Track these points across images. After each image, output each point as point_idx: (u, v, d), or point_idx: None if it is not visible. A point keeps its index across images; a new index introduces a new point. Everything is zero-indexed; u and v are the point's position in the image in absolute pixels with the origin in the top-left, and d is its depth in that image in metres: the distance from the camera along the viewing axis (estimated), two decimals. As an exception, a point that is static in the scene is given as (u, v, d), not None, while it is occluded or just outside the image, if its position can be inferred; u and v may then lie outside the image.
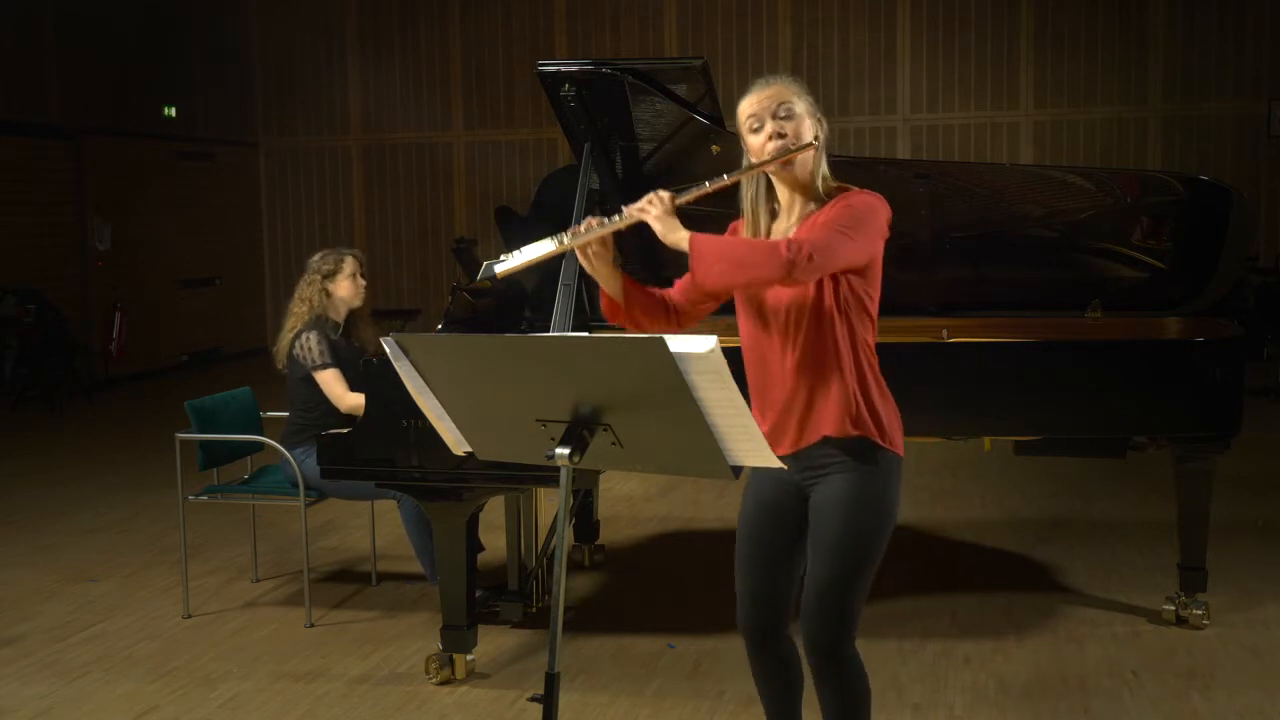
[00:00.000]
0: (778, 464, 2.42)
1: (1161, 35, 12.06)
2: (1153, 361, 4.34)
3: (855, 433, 2.75)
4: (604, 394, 2.33)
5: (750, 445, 2.36)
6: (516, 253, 2.68)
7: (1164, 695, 3.95)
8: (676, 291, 2.94)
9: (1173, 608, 4.57)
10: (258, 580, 5.39)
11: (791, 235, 2.75)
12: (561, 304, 4.16)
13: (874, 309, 2.80)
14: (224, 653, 4.54)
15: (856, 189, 2.78)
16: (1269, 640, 4.41)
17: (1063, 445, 4.79)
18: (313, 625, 4.79)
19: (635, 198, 2.72)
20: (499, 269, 2.71)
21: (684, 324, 2.93)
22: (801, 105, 2.76)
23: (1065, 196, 4.95)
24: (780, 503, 2.89)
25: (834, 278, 2.72)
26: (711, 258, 2.61)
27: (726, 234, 2.93)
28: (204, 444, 4.91)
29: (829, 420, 2.75)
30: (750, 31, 12.79)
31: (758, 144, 2.77)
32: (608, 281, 2.80)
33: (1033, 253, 5.09)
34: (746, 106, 2.79)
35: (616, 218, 2.67)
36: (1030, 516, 6.18)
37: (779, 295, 2.76)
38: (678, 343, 2.21)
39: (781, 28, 12.73)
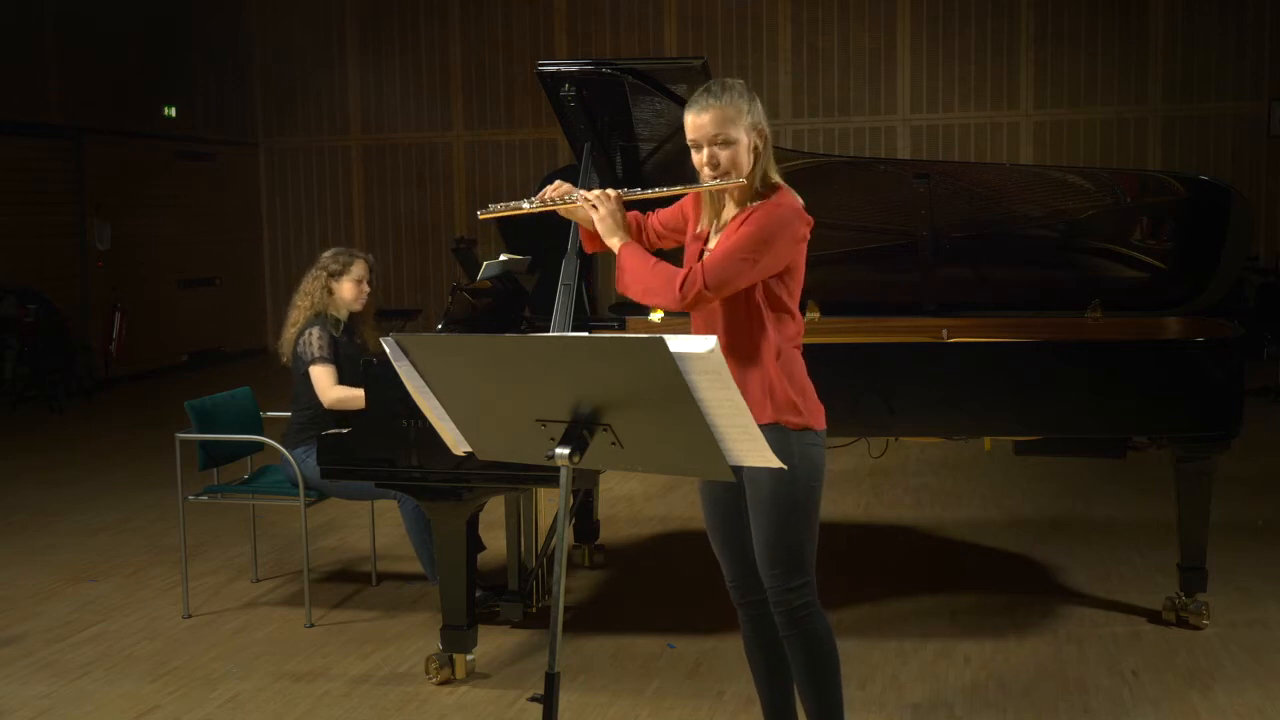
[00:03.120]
0: (777, 464, 2.44)
1: (1161, 35, 12.05)
2: (1153, 361, 4.34)
3: (775, 416, 2.97)
4: (604, 394, 2.33)
5: (750, 445, 2.36)
6: (499, 205, 3.12)
7: (1164, 695, 3.95)
8: (656, 219, 3.27)
9: (1173, 608, 4.57)
10: (258, 580, 5.39)
11: (710, 252, 3.02)
12: (561, 304, 4.15)
13: (793, 305, 3.04)
14: (224, 653, 4.54)
15: (784, 192, 3.00)
16: (1269, 640, 4.41)
17: (1063, 445, 4.79)
18: (313, 625, 4.79)
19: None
20: (482, 215, 3.14)
21: (653, 245, 3.26)
22: (741, 128, 2.94)
23: (1065, 196, 4.95)
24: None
25: None
26: (628, 276, 2.98)
27: (675, 208, 3.23)
28: (204, 444, 4.91)
29: (751, 404, 2.93)
30: (750, 31, 12.79)
31: (697, 160, 3.00)
32: (583, 221, 3.15)
33: (1033, 253, 5.09)
34: (690, 125, 2.98)
35: (575, 196, 3.05)
36: (1030, 516, 6.18)
37: None
38: (678, 343, 2.21)
39: (781, 27, 12.73)
